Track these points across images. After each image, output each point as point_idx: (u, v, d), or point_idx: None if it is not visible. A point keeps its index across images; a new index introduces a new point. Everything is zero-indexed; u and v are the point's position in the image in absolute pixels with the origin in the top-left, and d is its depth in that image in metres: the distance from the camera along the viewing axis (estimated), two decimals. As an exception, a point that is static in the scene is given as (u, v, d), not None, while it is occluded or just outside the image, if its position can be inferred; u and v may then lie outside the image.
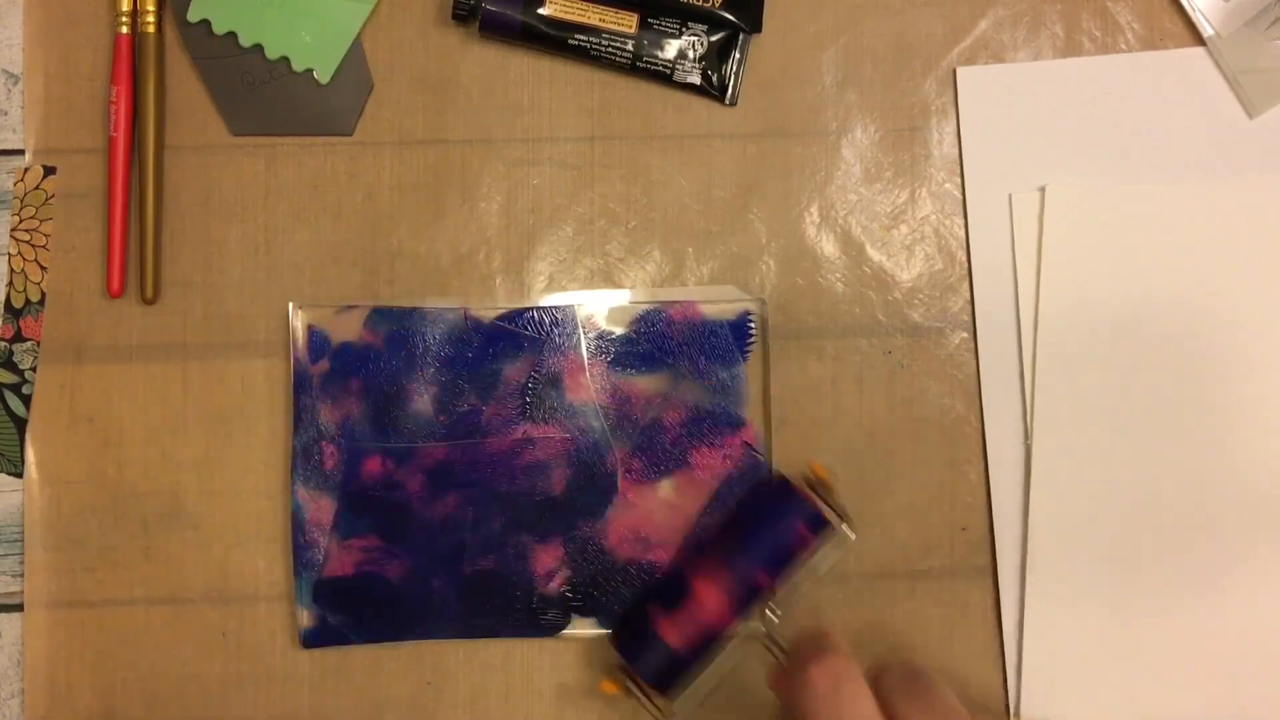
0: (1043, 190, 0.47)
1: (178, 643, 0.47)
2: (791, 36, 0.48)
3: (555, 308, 0.47)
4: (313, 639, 0.46)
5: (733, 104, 0.48)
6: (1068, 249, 0.47)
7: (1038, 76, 0.48)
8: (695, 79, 0.47)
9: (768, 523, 0.43)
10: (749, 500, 0.45)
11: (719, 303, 0.47)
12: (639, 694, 0.43)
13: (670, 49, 0.47)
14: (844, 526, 0.44)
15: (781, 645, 0.43)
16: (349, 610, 0.46)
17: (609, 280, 0.48)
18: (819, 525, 0.43)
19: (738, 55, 0.48)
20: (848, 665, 0.39)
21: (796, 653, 0.41)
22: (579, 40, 0.47)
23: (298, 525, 0.46)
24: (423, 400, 0.47)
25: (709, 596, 0.43)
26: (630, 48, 0.47)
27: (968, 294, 0.48)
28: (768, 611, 0.44)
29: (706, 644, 0.43)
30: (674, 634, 0.43)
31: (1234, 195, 0.47)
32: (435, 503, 0.46)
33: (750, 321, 0.47)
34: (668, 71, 0.47)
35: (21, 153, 0.48)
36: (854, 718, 0.38)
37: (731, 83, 0.48)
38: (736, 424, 0.47)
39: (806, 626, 0.45)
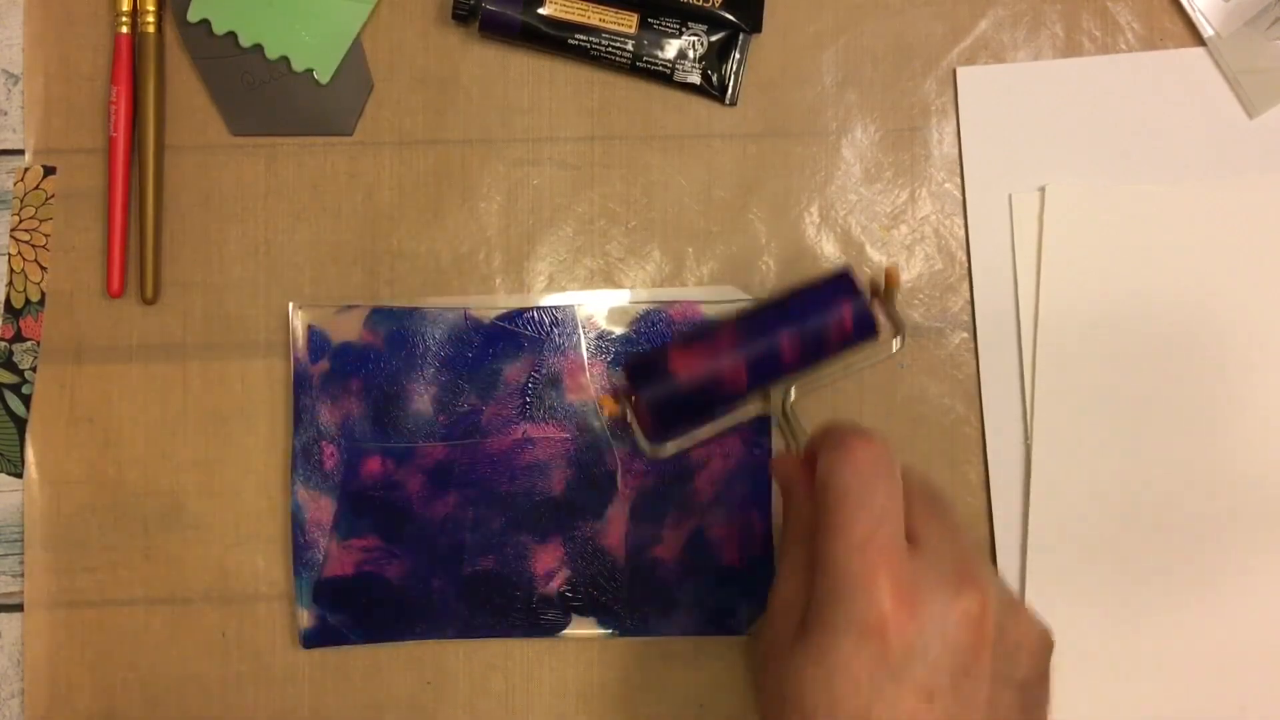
0: (1043, 190, 0.47)
1: (178, 643, 0.47)
2: (791, 36, 0.48)
3: (555, 308, 0.47)
4: (313, 639, 0.46)
5: (733, 104, 0.48)
6: (1068, 249, 0.47)
7: (1038, 76, 0.48)
8: (695, 79, 0.47)
9: (814, 303, 0.42)
10: (807, 283, 0.43)
11: (719, 303, 0.47)
12: (634, 421, 0.42)
13: (670, 49, 0.47)
14: (895, 340, 0.42)
15: (793, 425, 0.42)
16: (349, 610, 0.46)
17: (609, 280, 0.48)
18: (865, 324, 0.42)
19: (738, 55, 0.48)
20: (891, 458, 0.35)
21: (825, 436, 0.37)
22: (579, 40, 0.47)
23: (298, 525, 0.46)
24: (423, 400, 0.47)
25: (729, 347, 0.42)
26: (630, 48, 0.47)
27: (968, 294, 0.48)
28: (790, 390, 0.42)
29: (713, 392, 0.42)
30: (685, 369, 0.41)
31: (1234, 195, 0.47)
32: (435, 503, 0.46)
33: (750, 321, 0.47)
34: (668, 71, 0.47)
35: (21, 153, 0.48)
36: (884, 512, 0.34)
37: (731, 83, 0.48)
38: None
39: (835, 419, 0.42)
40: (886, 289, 0.43)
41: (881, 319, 0.43)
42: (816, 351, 0.42)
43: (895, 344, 0.43)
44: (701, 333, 0.43)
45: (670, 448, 0.44)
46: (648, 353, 0.44)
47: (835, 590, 0.34)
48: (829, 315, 0.42)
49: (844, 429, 0.37)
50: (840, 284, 0.43)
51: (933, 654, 0.33)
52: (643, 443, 0.43)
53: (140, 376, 0.47)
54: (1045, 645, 0.36)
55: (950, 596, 0.33)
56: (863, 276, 0.43)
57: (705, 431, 0.44)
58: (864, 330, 0.42)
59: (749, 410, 0.43)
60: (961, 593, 0.34)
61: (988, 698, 0.33)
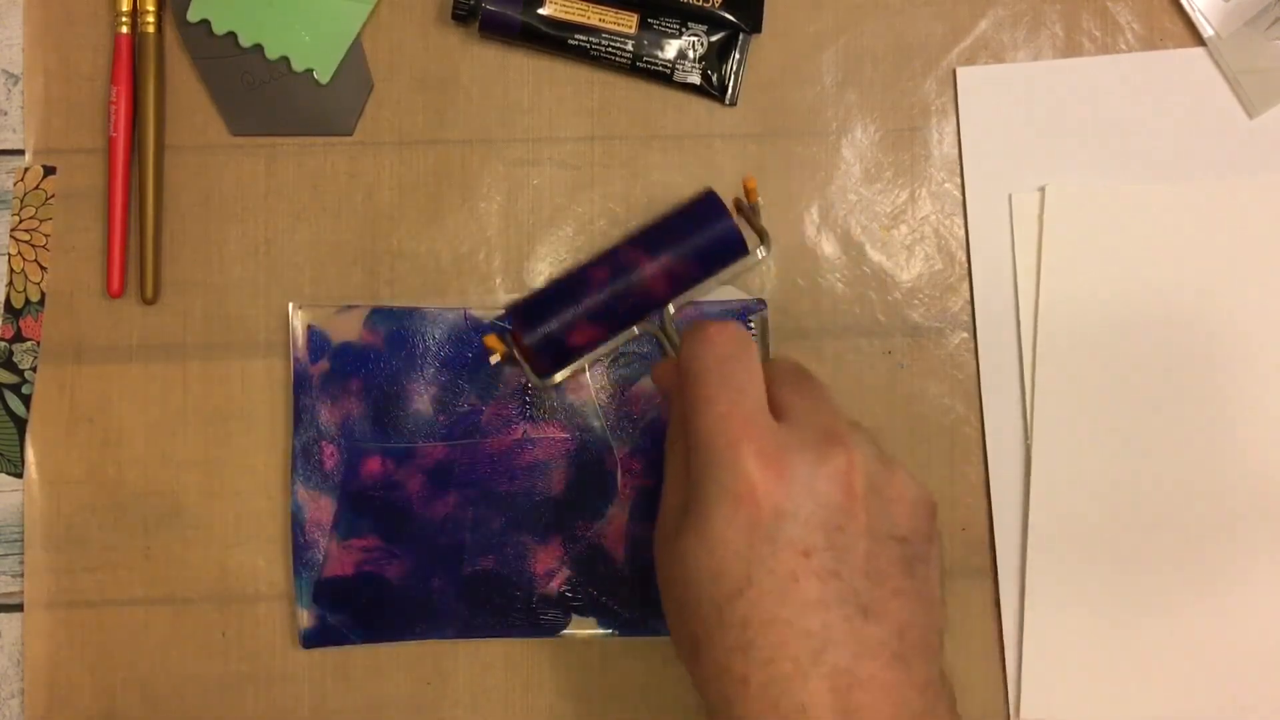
0: (1042, 190, 0.47)
1: (178, 643, 0.47)
2: (791, 36, 0.48)
3: (555, 308, 0.47)
4: (313, 639, 0.46)
5: (733, 104, 0.48)
6: (1067, 249, 0.47)
7: (1038, 76, 0.48)
8: (695, 79, 0.47)
9: (681, 230, 0.44)
10: (675, 210, 0.45)
11: (719, 303, 0.47)
12: (521, 359, 0.45)
13: (670, 49, 0.47)
14: (760, 249, 0.45)
15: (673, 339, 0.44)
16: (349, 610, 0.46)
17: (609, 280, 0.48)
18: (734, 244, 0.44)
19: (738, 55, 0.48)
20: (748, 340, 0.37)
21: (688, 332, 0.38)
22: (579, 40, 0.47)
23: (298, 525, 0.46)
24: (423, 400, 0.47)
25: (601, 282, 0.44)
26: (630, 48, 0.47)
27: (968, 294, 0.48)
28: (668, 308, 0.45)
29: (589, 324, 0.44)
30: (560, 306, 0.44)
31: (1233, 195, 0.47)
32: (435, 503, 0.46)
33: (750, 322, 0.47)
34: (668, 71, 0.47)
35: (21, 153, 0.48)
36: (744, 386, 0.36)
37: (731, 83, 0.48)
38: (736, 424, 0.47)
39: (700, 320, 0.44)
40: (748, 202, 0.45)
41: (749, 233, 0.45)
42: (689, 277, 0.44)
43: (760, 252, 0.45)
44: (576, 270, 0.45)
45: (557, 378, 0.45)
46: (530, 294, 0.46)
47: (706, 465, 0.35)
48: (698, 239, 0.44)
49: (703, 322, 0.38)
50: (706, 206, 0.45)
51: (804, 513, 0.34)
52: (531, 377, 0.45)
53: (140, 376, 0.47)
54: (923, 502, 0.36)
55: (817, 458, 0.35)
56: (721, 195, 0.45)
57: (589, 359, 0.46)
58: (733, 250, 0.44)
59: (631, 332, 0.45)
60: (828, 454, 0.35)
61: (865, 550, 0.34)
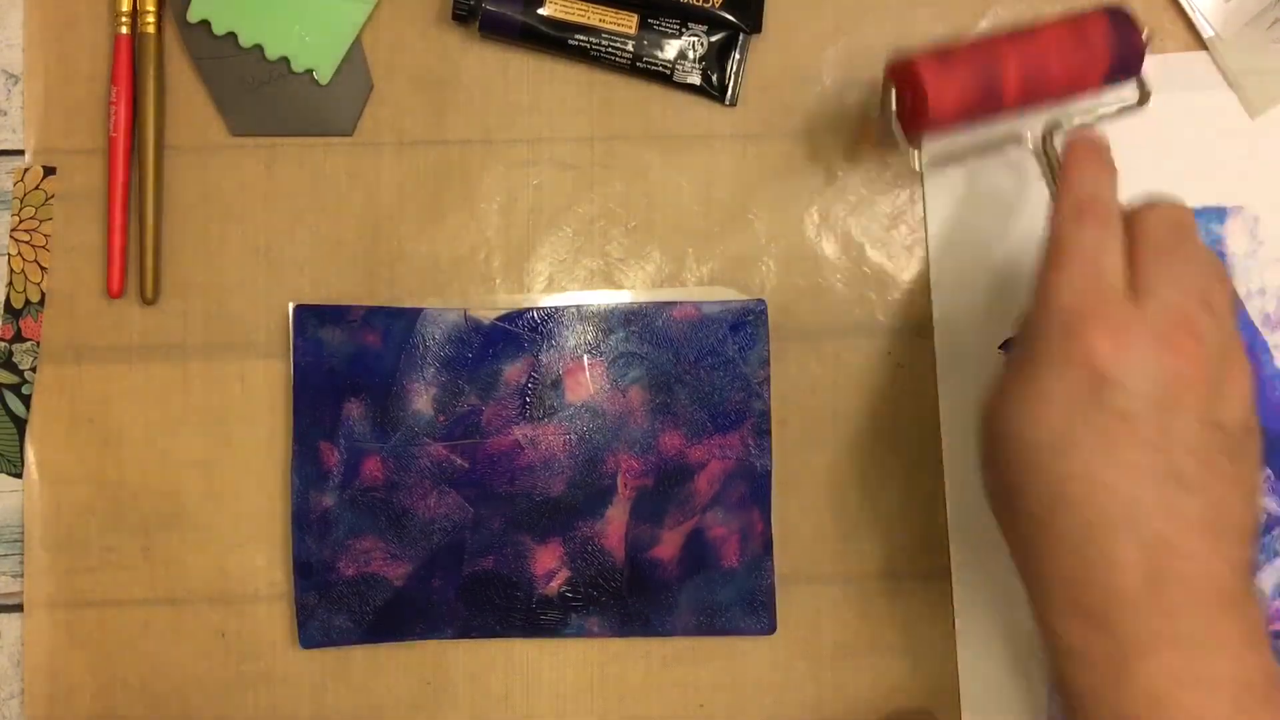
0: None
1: (178, 643, 0.47)
2: (791, 36, 0.48)
3: (555, 308, 0.47)
4: (313, 639, 0.46)
5: (733, 104, 0.48)
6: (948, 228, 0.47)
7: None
8: (695, 79, 0.47)
9: (1092, 26, 0.42)
10: (1079, 11, 0.43)
11: (719, 303, 0.47)
12: (895, 115, 0.43)
13: (670, 49, 0.47)
14: (1142, 98, 0.44)
15: (1052, 163, 0.43)
16: (349, 610, 0.46)
17: (609, 280, 0.48)
18: (1135, 58, 0.42)
19: (738, 55, 0.48)
20: (1111, 203, 0.37)
21: (1060, 186, 0.39)
22: (579, 40, 0.47)
23: (298, 525, 0.46)
24: (423, 400, 0.47)
25: (1007, 52, 0.42)
26: (630, 48, 0.47)
27: (968, 294, 0.48)
28: (1055, 130, 0.43)
29: (985, 91, 0.41)
30: (964, 59, 0.41)
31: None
32: (435, 503, 0.46)
33: (750, 322, 0.47)
34: (668, 72, 0.47)
35: (21, 153, 0.48)
36: (1101, 257, 0.36)
37: (731, 83, 0.48)
38: (736, 424, 0.47)
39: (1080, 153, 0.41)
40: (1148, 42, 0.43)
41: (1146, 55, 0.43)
42: (1085, 74, 0.42)
43: (1140, 100, 0.44)
44: (974, 42, 0.42)
45: (923, 156, 0.43)
46: (920, 48, 0.43)
47: (1048, 329, 0.36)
48: (1108, 40, 0.42)
49: (1080, 187, 0.38)
50: (1119, 16, 0.42)
51: (1134, 387, 0.34)
52: (899, 138, 0.43)
53: (140, 376, 0.47)
54: (1250, 400, 0.36)
55: (1160, 344, 0.35)
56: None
57: (961, 141, 0.44)
58: (1133, 64, 0.43)
59: (1015, 134, 0.43)
60: (1173, 342, 0.35)
61: (1191, 431, 0.35)
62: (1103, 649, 0.34)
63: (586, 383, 0.47)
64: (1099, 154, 0.39)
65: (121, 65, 0.47)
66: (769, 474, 0.47)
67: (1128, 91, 0.44)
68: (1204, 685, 0.33)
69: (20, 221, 0.48)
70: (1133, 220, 0.37)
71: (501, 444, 0.47)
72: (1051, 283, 0.36)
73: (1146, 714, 0.33)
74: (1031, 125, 0.45)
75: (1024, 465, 0.36)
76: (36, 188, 0.48)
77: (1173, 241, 0.37)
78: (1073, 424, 0.35)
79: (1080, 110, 0.44)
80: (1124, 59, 0.42)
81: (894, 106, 0.43)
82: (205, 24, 0.48)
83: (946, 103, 0.41)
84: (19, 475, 0.47)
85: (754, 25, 0.48)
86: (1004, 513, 0.37)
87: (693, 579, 0.47)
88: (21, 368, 0.47)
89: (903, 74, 0.42)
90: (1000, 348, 0.46)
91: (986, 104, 0.42)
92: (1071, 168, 0.39)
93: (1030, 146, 0.44)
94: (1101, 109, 0.44)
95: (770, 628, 0.47)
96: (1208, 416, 0.35)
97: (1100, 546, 0.34)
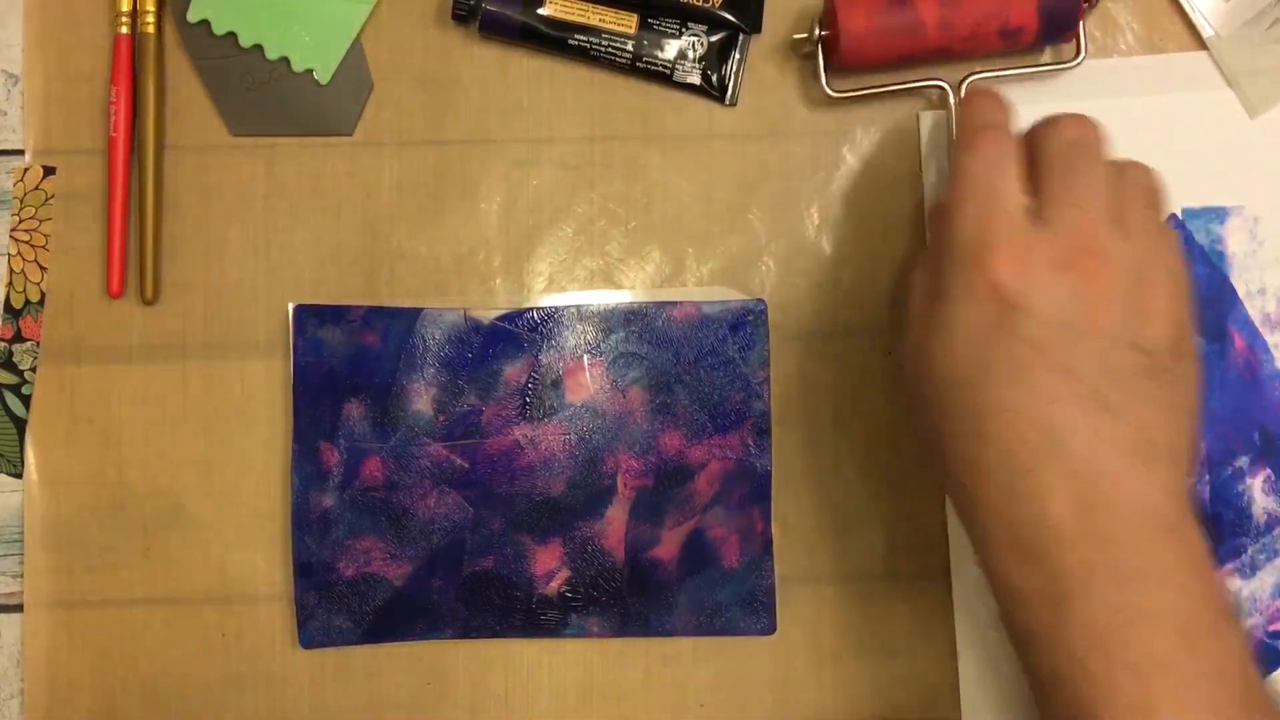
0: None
1: (178, 643, 0.47)
2: (791, 36, 0.48)
3: (555, 308, 0.47)
4: (313, 639, 0.46)
5: (733, 104, 0.48)
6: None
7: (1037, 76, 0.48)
8: (695, 79, 0.47)
9: None
10: None
11: (719, 303, 0.47)
12: (819, 51, 0.45)
13: (670, 49, 0.47)
14: (1078, 57, 0.45)
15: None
16: (349, 610, 0.46)
17: (609, 280, 0.48)
18: (1067, 18, 0.44)
19: (738, 55, 0.48)
20: (1006, 133, 0.37)
21: (966, 104, 0.40)
22: (579, 40, 0.47)
23: (298, 525, 0.46)
24: (423, 400, 0.47)
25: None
26: (630, 48, 0.47)
27: (968, 294, 0.48)
28: (965, 83, 0.45)
29: (903, 36, 0.43)
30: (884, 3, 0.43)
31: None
32: (435, 503, 0.46)
33: (750, 322, 0.47)
34: (668, 72, 0.47)
35: (21, 153, 0.48)
36: (1001, 184, 0.36)
37: (731, 83, 0.48)
38: (736, 424, 0.47)
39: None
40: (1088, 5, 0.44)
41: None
42: (1012, 31, 0.43)
43: (1076, 58, 0.45)
44: None
45: (838, 89, 0.45)
46: None
47: (952, 263, 0.36)
48: None
49: (973, 119, 0.39)
50: None
51: (1040, 312, 0.34)
52: (819, 65, 0.45)
53: (140, 377, 0.47)
54: (1179, 322, 0.36)
55: (1064, 266, 0.35)
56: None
57: (881, 83, 0.45)
58: (1066, 20, 0.44)
59: (934, 86, 0.45)
60: (1076, 264, 0.35)
61: (1100, 351, 0.34)
62: (1040, 585, 0.33)
63: (586, 383, 0.47)
64: (994, 94, 0.39)
65: (121, 65, 0.47)
66: (769, 474, 0.47)
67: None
68: (1146, 618, 0.32)
69: (20, 221, 0.48)
70: (1032, 142, 0.37)
71: (501, 444, 0.47)
72: (951, 214, 0.36)
73: (1089, 652, 0.32)
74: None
75: (943, 404, 0.35)
76: (36, 188, 0.48)
77: (1073, 159, 0.37)
78: (984, 356, 0.34)
79: (1015, 66, 0.45)
80: (1053, 12, 0.43)
81: (817, 33, 0.45)
82: (205, 24, 0.48)
83: (856, 22, 0.44)
84: (19, 475, 0.47)
85: (754, 25, 0.48)
86: (933, 456, 0.37)
87: (692, 579, 0.47)
88: (21, 368, 0.47)
89: (827, 4, 0.44)
90: None
91: (906, 39, 0.43)
92: (966, 104, 0.39)
93: (951, 104, 0.45)
94: (1038, 68, 0.45)
95: (770, 628, 0.47)
96: (1124, 338, 0.34)
97: (1026, 478, 0.33)
